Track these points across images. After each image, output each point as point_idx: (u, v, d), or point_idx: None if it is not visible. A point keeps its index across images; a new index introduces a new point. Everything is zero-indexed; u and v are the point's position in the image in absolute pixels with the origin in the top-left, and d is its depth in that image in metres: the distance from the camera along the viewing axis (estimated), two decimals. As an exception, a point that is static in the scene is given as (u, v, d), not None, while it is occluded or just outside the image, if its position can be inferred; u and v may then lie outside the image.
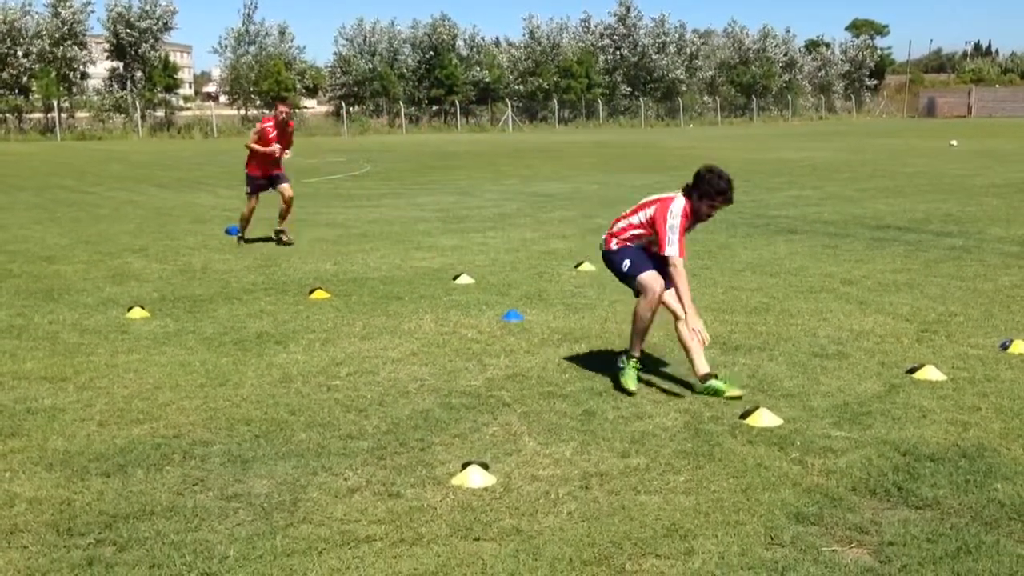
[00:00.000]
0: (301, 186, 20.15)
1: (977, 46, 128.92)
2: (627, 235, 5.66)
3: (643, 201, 5.67)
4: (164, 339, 6.86)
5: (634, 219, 5.63)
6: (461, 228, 12.87)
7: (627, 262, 5.61)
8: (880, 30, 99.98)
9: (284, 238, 11.56)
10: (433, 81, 60.76)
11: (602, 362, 6.11)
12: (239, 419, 5.10)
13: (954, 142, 33.09)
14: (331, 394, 5.53)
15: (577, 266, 9.64)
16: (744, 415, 5.01)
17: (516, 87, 63.14)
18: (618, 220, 5.77)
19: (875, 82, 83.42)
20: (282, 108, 11.52)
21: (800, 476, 4.27)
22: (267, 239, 11.70)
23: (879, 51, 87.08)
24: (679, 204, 5.45)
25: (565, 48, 64.68)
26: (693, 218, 5.51)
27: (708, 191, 5.40)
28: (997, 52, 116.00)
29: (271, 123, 11.44)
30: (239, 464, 4.46)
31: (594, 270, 9.44)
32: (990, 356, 6.17)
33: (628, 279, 5.64)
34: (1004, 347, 6.31)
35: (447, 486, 4.19)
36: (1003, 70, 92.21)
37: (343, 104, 58.67)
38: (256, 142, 11.42)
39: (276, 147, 11.38)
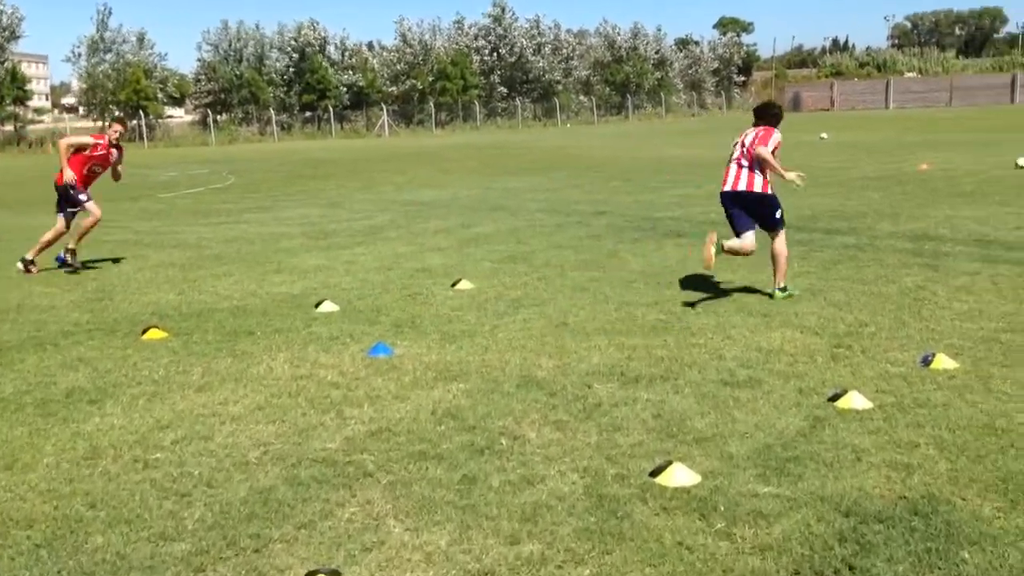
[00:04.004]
0: (155, 202, 18.60)
1: (835, 41, 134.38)
2: (760, 179, 7.62)
3: (745, 144, 7.66)
4: (-51, 404, 5.58)
5: (745, 161, 7.61)
6: (327, 244, 11.76)
7: (780, 211, 7.65)
8: (745, 27, 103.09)
9: (69, 259, 10.48)
10: (304, 86, 58.81)
11: (484, 406, 5.20)
12: (20, 519, 3.96)
13: (824, 135, 33.66)
14: (147, 472, 4.43)
15: (454, 284, 8.71)
16: (655, 472, 4.18)
17: (390, 90, 61.80)
18: (737, 167, 7.67)
19: (743, 78, 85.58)
20: (116, 127, 10.84)
21: (731, 558, 3.45)
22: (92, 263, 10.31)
23: (745, 48, 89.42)
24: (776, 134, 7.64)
25: (439, 50, 63.71)
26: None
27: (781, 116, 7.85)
28: (854, 47, 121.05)
29: (103, 140, 10.76)
30: (5, 593, 3.35)
31: (472, 288, 8.53)
32: (913, 374, 5.54)
33: (777, 223, 7.64)
34: (926, 362, 5.71)
35: (284, 608, 3.19)
36: (860, 64, 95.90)
37: (210, 112, 56.10)
38: (84, 151, 10.52)
39: (114, 152, 10.63)
